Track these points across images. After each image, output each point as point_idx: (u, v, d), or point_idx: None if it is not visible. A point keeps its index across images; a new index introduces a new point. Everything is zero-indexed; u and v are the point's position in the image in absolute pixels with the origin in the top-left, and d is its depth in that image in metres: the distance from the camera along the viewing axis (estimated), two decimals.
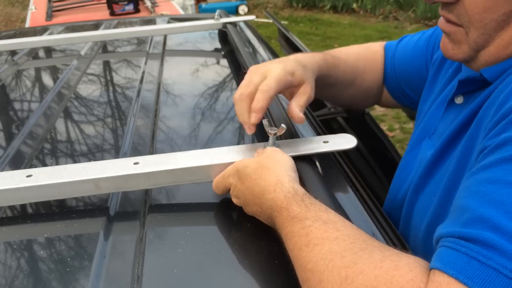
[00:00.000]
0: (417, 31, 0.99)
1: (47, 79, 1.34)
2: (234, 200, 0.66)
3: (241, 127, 0.95)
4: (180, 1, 5.21)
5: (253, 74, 0.72)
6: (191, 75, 1.27)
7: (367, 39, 5.99)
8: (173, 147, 0.87)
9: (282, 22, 7.07)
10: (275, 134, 0.69)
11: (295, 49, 1.58)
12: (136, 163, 0.68)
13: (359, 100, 1.03)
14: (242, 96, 0.69)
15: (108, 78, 1.32)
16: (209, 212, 0.69)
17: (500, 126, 0.50)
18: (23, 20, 6.72)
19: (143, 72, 1.26)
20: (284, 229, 0.54)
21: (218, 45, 1.54)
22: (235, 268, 0.58)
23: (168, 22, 1.88)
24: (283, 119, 0.79)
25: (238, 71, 1.24)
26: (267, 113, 0.86)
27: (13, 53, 1.55)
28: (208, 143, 0.88)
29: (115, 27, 1.87)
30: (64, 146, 0.91)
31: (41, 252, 0.61)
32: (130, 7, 3.68)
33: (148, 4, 3.94)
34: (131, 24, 1.97)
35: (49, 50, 1.58)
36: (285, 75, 0.70)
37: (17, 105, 1.16)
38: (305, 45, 1.62)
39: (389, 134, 3.57)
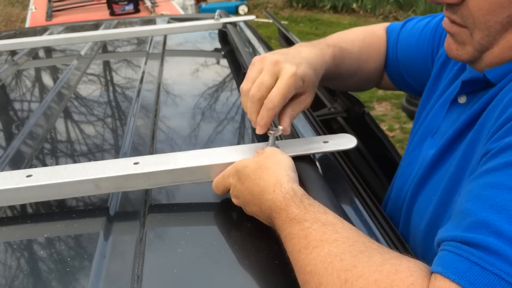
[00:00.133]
0: None
1: (47, 79, 1.34)
2: (234, 200, 0.66)
3: (241, 127, 0.95)
4: (180, 1, 5.22)
5: (265, 73, 0.68)
6: (191, 75, 1.27)
7: None
8: (173, 147, 0.87)
9: (282, 22, 7.07)
10: (275, 134, 0.69)
11: None
12: (136, 163, 0.68)
13: (361, 85, 1.02)
14: (253, 98, 0.67)
15: (108, 78, 1.32)
16: (209, 212, 0.69)
17: (504, 129, 0.49)
18: (23, 20, 6.72)
19: (143, 72, 1.26)
20: (283, 231, 0.54)
21: (218, 45, 1.54)
22: (235, 268, 0.58)
23: (168, 22, 1.88)
24: None
25: (238, 71, 1.24)
26: None
27: (13, 53, 1.55)
28: (208, 143, 0.88)
29: (115, 27, 1.87)
30: (64, 146, 0.91)
31: (41, 252, 0.61)
32: (130, 7, 3.68)
33: (148, 4, 3.94)
34: (131, 24, 1.97)
35: (49, 50, 1.58)
36: (295, 83, 0.67)
37: (17, 105, 1.16)
38: None
39: (389, 134, 3.57)
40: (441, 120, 0.75)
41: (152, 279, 0.55)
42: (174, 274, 0.56)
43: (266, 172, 0.61)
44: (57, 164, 0.84)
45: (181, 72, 1.30)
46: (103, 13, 3.68)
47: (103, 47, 1.55)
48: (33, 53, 1.53)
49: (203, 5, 7.79)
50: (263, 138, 0.73)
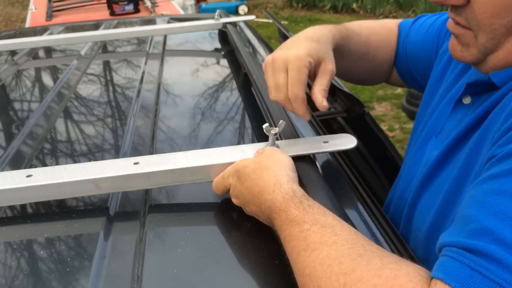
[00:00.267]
0: None
1: (47, 79, 1.34)
2: (234, 200, 0.66)
3: (241, 127, 0.95)
4: (180, 1, 5.22)
5: (276, 73, 0.71)
6: (191, 75, 1.27)
7: None
8: (173, 147, 0.87)
9: (282, 22, 7.07)
10: (275, 134, 0.69)
11: None
12: (136, 163, 0.68)
13: (370, 76, 1.01)
14: (281, 101, 0.71)
15: (108, 78, 1.32)
16: (209, 212, 0.69)
17: (509, 135, 0.49)
18: (23, 20, 6.72)
19: (143, 72, 1.26)
20: (282, 232, 0.54)
21: (218, 45, 1.54)
22: (235, 268, 0.58)
23: (168, 22, 1.88)
24: (283, 118, 0.79)
25: (238, 71, 1.24)
26: (267, 113, 0.86)
27: (13, 53, 1.55)
28: (208, 143, 0.88)
29: (115, 27, 1.87)
30: (64, 146, 0.91)
31: (41, 252, 0.61)
32: (130, 7, 3.68)
33: (148, 4, 3.94)
34: (131, 24, 1.97)
35: (49, 50, 1.58)
36: (302, 64, 0.70)
37: (17, 105, 1.16)
38: None
39: (389, 134, 3.57)
40: (445, 120, 0.75)
41: (152, 279, 0.55)
42: (174, 274, 0.56)
43: (266, 172, 0.61)
44: (57, 164, 0.84)
45: (181, 72, 1.30)
46: (103, 13, 3.68)
47: (103, 47, 1.55)
48: (33, 53, 1.53)
49: (203, 5, 7.79)
50: (263, 138, 0.73)
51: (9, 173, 0.68)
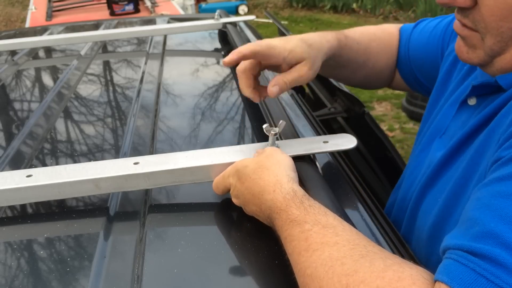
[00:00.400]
0: None
1: (47, 79, 1.34)
2: (234, 200, 0.66)
3: (241, 127, 0.95)
4: (180, 1, 5.22)
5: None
6: (191, 75, 1.27)
7: None
8: (173, 147, 0.87)
9: (282, 22, 7.07)
10: (275, 134, 0.69)
11: None
12: (136, 163, 0.68)
13: (371, 81, 1.01)
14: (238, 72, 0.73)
15: (108, 78, 1.32)
16: (209, 212, 0.69)
17: None
18: (23, 20, 6.72)
19: (143, 72, 1.26)
20: (283, 232, 0.54)
21: (218, 45, 1.54)
22: (235, 268, 0.58)
23: (168, 22, 1.88)
24: (283, 118, 0.79)
25: None
26: (267, 113, 0.86)
27: (13, 53, 1.55)
28: (208, 143, 0.87)
29: (115, 27, 1.87)
30: (64, 146, 0.91)
31: (41, 252, 0.61)
32: (130, 7, 3.68)
33: (148, 4, 3.94)
34: (131, 24, 1.97)
35: (49, 50, 1.58)
36: (260, 45, 0.71)
37: (17, 105, 1.16)
38: None
39: (389, 134, 3.57)
40: (450, 120, 0.74)
41: (152, 279, 0.55)
42: (174, 274, 0.56)
43: (266, 172, 0.61)
44: (57, 164, 0.84)
45: (181, 72, 1.30)
46: (103, 13, 3.68)
47: (103, 47, 1.55)
48: (33, 53, 1.53)
49: (203, 5, 7.79)
50: (263, 138, 0.73)
51: (9, 173, 0.68)
